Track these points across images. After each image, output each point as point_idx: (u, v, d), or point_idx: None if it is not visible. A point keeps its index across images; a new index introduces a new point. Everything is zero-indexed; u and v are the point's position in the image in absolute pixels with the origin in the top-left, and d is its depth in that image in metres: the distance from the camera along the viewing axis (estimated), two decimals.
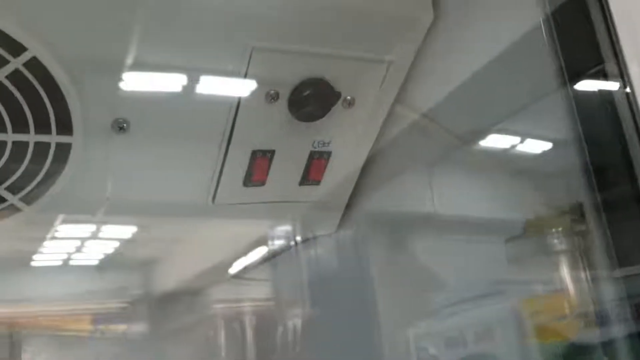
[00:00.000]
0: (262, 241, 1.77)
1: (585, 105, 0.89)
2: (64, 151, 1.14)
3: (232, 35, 1.12)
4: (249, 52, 1.14)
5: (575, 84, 0.88)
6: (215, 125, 1.24)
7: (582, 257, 1.03)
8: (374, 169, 1.40)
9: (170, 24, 1.06)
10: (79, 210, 1.28)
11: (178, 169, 1.28)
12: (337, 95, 1.24)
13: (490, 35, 1.15)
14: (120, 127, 1.17)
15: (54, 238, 2.17)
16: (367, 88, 1.27)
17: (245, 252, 1.92)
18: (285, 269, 1.70)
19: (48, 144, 1.12)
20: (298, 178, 1.38)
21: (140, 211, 1.36)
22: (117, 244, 2.12)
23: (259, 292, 2.08)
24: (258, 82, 1.19)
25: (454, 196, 1.41)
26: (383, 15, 1.19)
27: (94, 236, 2.09)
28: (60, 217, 1.77)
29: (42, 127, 1.09)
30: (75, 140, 1.13)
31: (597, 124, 0.88)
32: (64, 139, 1.12)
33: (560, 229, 1.07)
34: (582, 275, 1.03)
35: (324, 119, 1.28)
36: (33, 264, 2.27)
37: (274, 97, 1.21)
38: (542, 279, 1.14)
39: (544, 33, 0.94)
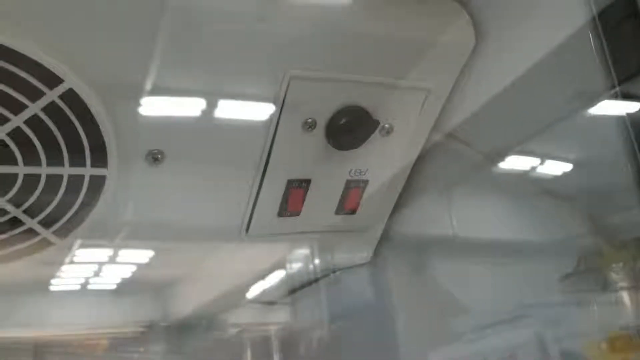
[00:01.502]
0: (281, 265, 1.73)
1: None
2: (98, 184, 1.11)
3: (270, 63, 1.09)
4: (287, 81, 1.11)
5: (625, 90, 0.84)
6: (250, 155, 1.21)
7: None
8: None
9: (208, 51, 1.04)
10: (109, 238, 1.24)
11: (212, 200, 1.25)
12: (375, 124, 1.20)
13: (523, 49, 1.11)
14: (154, 158, 1.14)
15: (72, 262, 2.17)
16: (405, 116, 1.24)
17: (261, 276, 1.87)
18: (305, 292, 1.66)
19: (82, 177, 1.09)
20: (334, 207, 1.35)
21: (173, 243, 1.32)
22: (142, 269, 2.09)
23: (278, 317, 2.04)
24: (295, 111, 1.16)
25: (475, 218, 1.37)
26: (423, 42, 1.15)
27: (115, 260, 2.08)
28: (79, 241, 1.76)
29: (77, 159, 1.07)
30: (110, 172, 1.10)
31: None
32: (98, 171, 1.09)
33: (620, 264, 1.03)
34: None
35: (361, 147, 1.24)
36: (51, 288, 2.27)
37: (311, 126, 1.18)
38: (603, 318, 1.09)
39: (590, 36, 0.90)
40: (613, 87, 0.86)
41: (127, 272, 2.39)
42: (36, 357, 2.15)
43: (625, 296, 1.03)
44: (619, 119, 0.90)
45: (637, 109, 0.89)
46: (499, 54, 1.17)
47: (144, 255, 2.24)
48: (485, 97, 1.20)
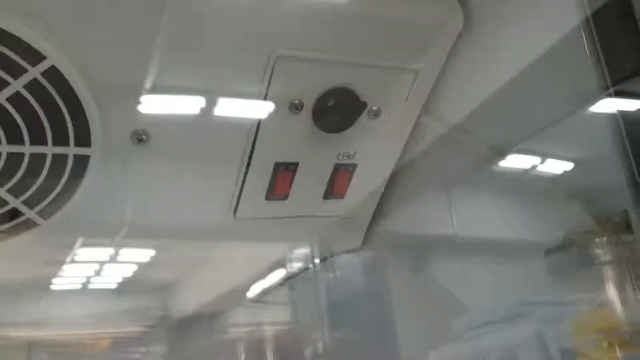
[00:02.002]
0: (281, 263, 1.73)
1: (631, 113, 0.84)
2: (82, 163, 1.10)
3: (255, 43, 1.08)
4: (273, 61, 1.10)
5: (619, 89, 0.83)
6: (236, 137, 1.20)
7: (629, 269, 0.97)
8: (393, 188, 1.35)
9: (192, 33, 1.03)
10: (97, 228, 1.24)
11: (199, 182, 1.24)
12: (363, 106, 1.20)
13: (522, 43, 1.10)
14: (139, 138, 1.14)
15: (73, 262, 2.17)
16: (393, 98, 1.23)
17: (264, 275, 1.90)
18: (303, 291, 1.66)
19: (66, 156, 1.08)
20: (322, 191, 1.34)
21: (161, 228, 1.32)
22: (135, 267, 2.11)
23: (278, 316, 2.04)
24: (282, 92, 1.15)
25: (475, 217, 1.36)
26: (410, 22, 1.14)
27: (113, 260, 2.10)
28: (80, 240, 1.76)
29: (60, 138, 1.06)
30: (94, 152, 1.09)
31: None
32: (82, 150, 1.09)
33: (604, 239, 1.02)
34: (630, 288, 0.98)
35: (349, 130, 1.23)
36: (52, 287, 2.27)
37: (298, 108, 1.17)
38: (588, 294, 1.09)
39: (583, 37, 0.89)
40: (607, 88, 0.85)
41: (128, 271, 2.40)
42: (30, 353, 2.15)
43: (608, 271, 1.02)
44: (613, 118, 0.89)
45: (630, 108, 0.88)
46: (494, 53, 1.15)
47: (144, 255, 2.25)
48: (483, 95, 1.18)
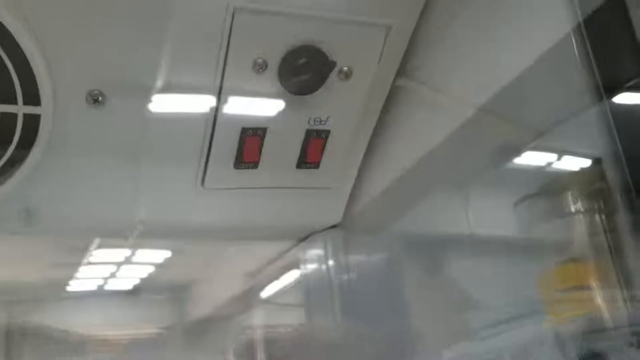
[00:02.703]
0: (294, 264, 1.69)
1: (625, 119, 0.77)
2: (33, 123, 1.05)
3: None
4: (231, 13, 1.04)
5: (613, 96, 0.77)
6: (197, 100, 1.15)
7: (602, 220, 0.90)
8: (406, 187, 1.28)
9: None
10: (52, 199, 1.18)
11: (160, 146, 1.18)
12: (332, 65, 1.13)
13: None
14: (95, 99, 1.09)
15: (89, 263, 2.15)
16: (365, 57, 1.17)
17: (277, 276, 1.86)
18: (318, 292, 1.60)
19: (15, 115, 1.03)
20: (294, 160, 1.28)
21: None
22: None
23: (292, 317, 2.00)
24: (243, 49, 1.09)
25: (491, 215, 1.29)
26: None
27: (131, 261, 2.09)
28: (96, 241, 1.73)
29: (8, 96, 1.01)
30: (45, 111, 1.05)
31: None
32: (31, 109, 1.04)
33: (577, 187, 0.94)
34: (603, 241, 0.90)
35: (318, 92, 1.17)
36: (68, 289, 2.26)
37: (262, 67, 1.12)
38: (557, 245, 1.01)
39: (574, 44, 0.82)
40: (600, 96, 0.80)
41: (143, 272, 2.38)
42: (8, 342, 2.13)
43: (578, 221, 0.95)
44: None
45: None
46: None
47: (158, 256, 2.22)
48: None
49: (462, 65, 1.13)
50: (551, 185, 1.02)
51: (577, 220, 0.95)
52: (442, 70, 1.18)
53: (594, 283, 0.92)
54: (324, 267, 1.55)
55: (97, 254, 2.14)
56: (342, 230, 1.47)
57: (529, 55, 0.95)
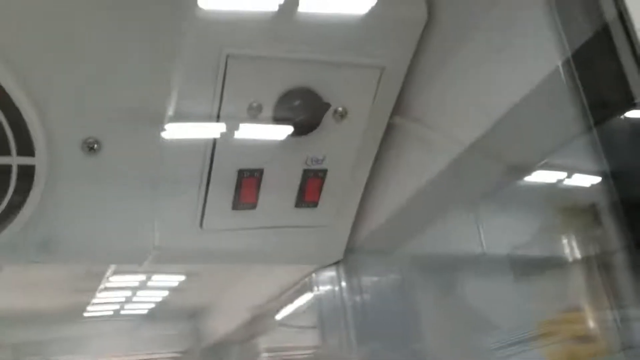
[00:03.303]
0: (306, 287, 1.68)
1: (614, 146, 0.77)
2: (28, 174, 1.06)
3: (205, 41, 1.03)
4: (224, 60, 1.04)
5: (602, 124, 0.76)
6: (194, 143, 1.15)
7: (599, 267, 0.88)
8: (416, 209, 1.27)
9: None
10: (51, 245, 1.18)
11: (158, 192, 1.18)
12: (326, 106, 1.13)
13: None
14: (90, 147, 1.09)
15: (106, 289, 2.17)
16: (359, 97, 1.16)
17: (290, 299, 1.86)
18: (331, 314, 1.60)
19: (9, 167, 1.04)
20: (293, 199, 1.27)
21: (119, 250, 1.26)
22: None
23: (306, 339, 1.99)
24: (238, 93, 1.09)
25: (503, 234, 1.28)
26: (372, 17, 1.08)
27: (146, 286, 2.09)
28: (112, 267, 1.74)
29: (1, 147, 1.02)
30: (39, 161, 1.05)
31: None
32: (26, 160, 1.04)
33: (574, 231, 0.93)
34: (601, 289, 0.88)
35: (314, 133, 1.17)
36: (86, 314, 2.28)
37: (257, 110, 1.11)
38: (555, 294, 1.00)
39: (562, 77, 0.82)
40: (589, 128, 0.79)
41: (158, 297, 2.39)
42: None
43: (577, 270, 0.93)
44: None
45: None
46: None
47: (174, 280, 2.23)
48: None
49: (455, 103, 1.12)
50: (547, 232, 1.01)
51: (574, 269, 0.93)
52: (435, 108, 1.17)
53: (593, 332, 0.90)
54: (336, 289, 1.54)
55: (114, 280, 2.16)
56: (355, 254, 1.46)
57: (518, 91, 0.94)
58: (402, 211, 1.27)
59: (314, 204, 1.29)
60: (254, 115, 1.12)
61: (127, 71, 1.04)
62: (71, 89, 1.04)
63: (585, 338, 0.93)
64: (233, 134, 1.14)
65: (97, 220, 1.21)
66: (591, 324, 0.93)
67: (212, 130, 1.13)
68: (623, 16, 0.72)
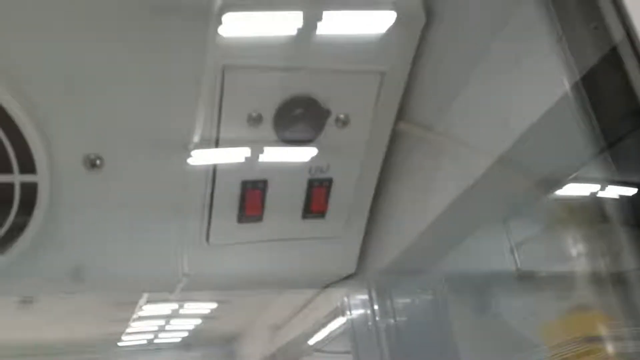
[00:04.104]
0: (338, 311, 1.67)
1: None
2: (30, 191, 1.06)
3: (202, 53, 1.03)
4: (221, 71, 1.04)
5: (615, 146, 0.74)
6: (195, 157, 1.14)
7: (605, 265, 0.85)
8: (447, 226, 1.24)
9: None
10: (57, 265, 1.18)
11: (161, 207, 1.18)
12: (327, 113, 1.12)
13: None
14: (92, 163, 1.09)
15: (139, 318, 2.18)
16: (360, 104, 1.15)
17: (323, 324, 1.85)
18: (364, 337, 1.57)
19: (12, 185, 1.04)
20: (299, 210, 1.26)
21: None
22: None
23: None
24: (236, 104, 1.09)
25: (537, 250, 1.25)
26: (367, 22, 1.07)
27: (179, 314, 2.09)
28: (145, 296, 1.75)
29: (3, 166, 1.02)
30: (41, 179, 1.05)
31: None
32: (28, 177, 1.05)
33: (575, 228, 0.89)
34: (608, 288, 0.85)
35: (317, 141, 1.16)
36: (120, 344, 2.29)
37: (256, 120, 1.11)
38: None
39: (572, 102, 0.80)
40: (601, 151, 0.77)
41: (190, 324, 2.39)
42: None
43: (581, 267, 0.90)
44: None
45: None
46: None
47: (205, 307, 2.23)
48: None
49: (479, 117, 1.10)
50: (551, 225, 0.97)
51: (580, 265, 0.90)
52: (461, 122, 1.15)
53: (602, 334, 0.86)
54: (369, 312, 1.52)
55: (147, 309, 2.16)
56: (386, 275, 1.43)
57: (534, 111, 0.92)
58: (432, 229, 1.24)
59: (322, 215, 1.27)
60: (254, 124, 1.12)
61: (129, 91, 1.05)
62: (72, 107, 1.04)
63: None
64: (234, 145, 1.14)
65: (113, 243, 1.21)
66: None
67: (212, 142, 1.12)
68: None
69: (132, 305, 2.09)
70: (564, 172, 1.06)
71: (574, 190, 1.12)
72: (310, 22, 1.03)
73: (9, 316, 2.06)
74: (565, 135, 0.92)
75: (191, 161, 1.16)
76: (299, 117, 1.12)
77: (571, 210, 1.12)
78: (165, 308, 2.41)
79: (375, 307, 1.50)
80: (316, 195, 1.24)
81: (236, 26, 1.01)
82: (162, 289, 1.47)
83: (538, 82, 0.93)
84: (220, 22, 0.99)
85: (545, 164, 1.04)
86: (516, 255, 1.26)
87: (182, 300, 2.10)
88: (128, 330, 2.49)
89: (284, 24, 1.04)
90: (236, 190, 1.19)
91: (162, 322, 2.58)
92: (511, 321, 1.29)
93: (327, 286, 1.54)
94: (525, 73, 0.97)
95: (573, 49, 0.80)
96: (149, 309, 2.33)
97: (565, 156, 1.01)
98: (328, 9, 1.04)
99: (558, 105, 0.88)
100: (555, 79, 0.86)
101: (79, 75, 1.02)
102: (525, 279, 1.25)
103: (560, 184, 1.10)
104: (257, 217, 1.23)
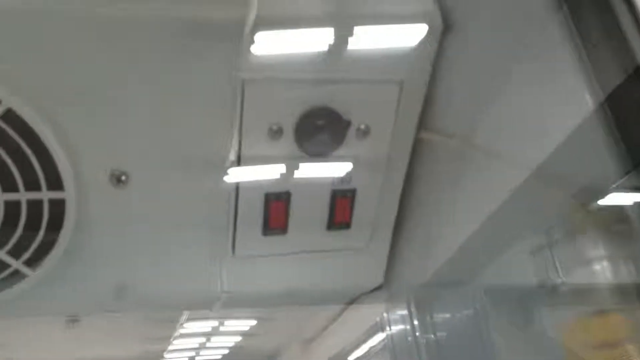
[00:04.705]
0: (378, 327, 1.67)
1: None
2: (59, 208, 1.09)
3: (227, 69, 1.04)
4: (241, 85, 1.06)
5: None
6: (218, 171, 1.16)
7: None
8: (487, 237, 1.23)
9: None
10: (88, 281, 1.21)
11: (188, 220, 1.20)
12: (347, 124, 1.13)
13: None
14: (118, 179, 1.11)
15: (180, 336, 2.21)
16: (381, 113, 1.15)
17: (363, 340, 1.84)
18: (404, 354, 1.57)
19: (41, 202, 1.07)
20: (324, 222, 1.26)
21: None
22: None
23: None
24: (257, 117, 1.10)
25: (580, 262, 1.23)
26: (385, 30, 1.07)
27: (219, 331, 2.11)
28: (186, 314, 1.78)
29: (32, 183, 1.05)
30: (69, 195, 1.08)
31: None
32: (56, 194, 1.07)
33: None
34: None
35: (339, 152, 1.16)
36: None
37: (277, 132, 1.12)
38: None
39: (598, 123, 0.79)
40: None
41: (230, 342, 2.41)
42: None
43: (599, 270, 0.87)
44: None
45: None
46: None
47: (245, 324, 2.25)
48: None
49: (514, 127, 1.08)
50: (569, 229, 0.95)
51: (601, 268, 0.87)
52: (497, 132, 1.13)
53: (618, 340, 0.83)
54: (409, 327, 1.51)
55: (188, 326, 2.18)
56: (425, 289, 1.42)
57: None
58: (471, 241, 1.22)
59: (347, 226, 1.27)
60: (275, 137, 1.13)
61: (154, 108, 1.07)
62: (97, 123, 1.07)
63: None
64: (256, 158, 1.15)
65: (143, 260, 1.23)
66: None
67: (235, 155, 1.13)
68: None
69: (173, 323, 2.11)
70: (604, 181, 1.03)
71: (616, 200, 1.09)
72: (342, 38, 1.04)
73: (55, 335, 2.11)
74: (603, 145, 0.91)
75: (215, 178, 1.17)
76: (319, 129, 1.12)
77: (613, 221, 1.10)
78: (206, 325, 2.43)
79: (415, 322, 1.49)
80: (340, 206, 1.24)
81: (266, 44, 1.02)
82: (201, 307, 1.48)
83: (570, 92, 0.91)
84: (252, 42, 1.00)
85: (584, 174, 1.02)
86: (558, 266, 1.23)
87: (222, 318, 2.11)
88: (170, 347, 2.51)
89: (315, 40, 1.04)
90: (260, 203, 1.20)
91: (202, 339, 2.61)
92: (556, 335, 1.26)
93: (359, 300, 1.53)
94: (556, 82, 0.95)
95: (602, 60, 0.79)
96: (189, 327, 2.35)
97: (606, 165, 0.99)
98: (359, 24, 1.04)
99: (594, 114, 0.87)
100: (589, 88, 0.85)
101: (104, 92, 1.04)
102: (569, 291, 1.23)
103: (602, 193, 1.08)
104: (282, 230, 1.23)
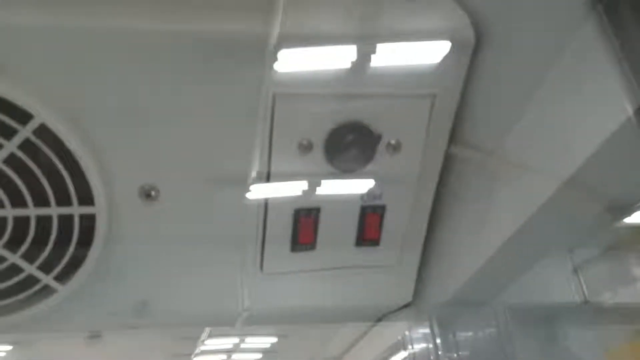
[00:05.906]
0: (399, 345, 1.65)
1: None
2: (89, 223, 1.09)
3: (256, 85, 1.04)
4: (272, 99, 1.05)
5: None
6: (247, 187, 1.15)
7: None
8: (509, 256, 1.21)
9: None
10: (118, 297, 1.20)
11: (217, 235, 1.19)
12: (377, 139, 1.12)
13: None
14: (147, 194, 1.11)
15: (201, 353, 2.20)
16: (412, 128, 1.14)
17: (385, 357, 1.80)
18: None
19: (71, 216, 1.07)
20: (352, 238, 1.25)
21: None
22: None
23: None
24: (287, 132, 1.09)
25: (606, 279, 1.21)
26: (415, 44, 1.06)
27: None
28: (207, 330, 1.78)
29: (63, 198, 1.05)
30: (99, 210, 1.08)
31: None
32: (87, 209, 1.07)
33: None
34: None
35: (369, 167, 1.15)
36: None
37: (307, 147, 1.11)
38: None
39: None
40: None
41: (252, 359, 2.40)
42: None
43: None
44: None
45: None
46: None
47: (266, 342, 2.24)
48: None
49: (541, 142, 1.07)
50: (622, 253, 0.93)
51: None
52: (523, 147, 1.12)
53: None
54: (431, 346, 1.49)
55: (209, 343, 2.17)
56: (447, 307, 1.40)
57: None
58: (495, 258, 1.20)
59: (376, 242, 1.26)
60: (305, 152, 1.12)
61: (183, 123, 1.07)
62: (127, 139, 1.07)
63: None
64: (285, 173, 1.14)
65: (172, 275, 1.23)
66: None
67: (264, 170, 1.13)
68: None
69: (195, 340, 2.10)
70: (634, 196, 1.02)
71: None
72: (365, 56, 1.04)
73: (76, 351, 2.10)
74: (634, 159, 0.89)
75: (245, 194, 1.17)
76: (349, 143, 1.12)
77: None
78: (227, 342, 2.41)
79: (438, 340, 1.46)
80: (369, 222, 1.23)
81: (290, 61, 1.02)
82: (223, 323, 1.47)
83: (602, 104, 0.90)
84: (275, 59, 1.00)
85: (614, 189, 1.01)
86: (583, 284, 1.21)
87: (243, 335, 2.10)
88: None
89: (338, 57, 1.04)
90: (288, 219, 1.19)
91: (224, 356, 2.59)
92: (581, 354, 1.23)
93: (385, 318, 1.51)
94: (587, 95, 0.94)
95: (635, 70, 0.78)
96: (211, 343, 2.34)
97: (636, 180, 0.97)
98: (382, 41, 1.04)
99: (624, 127, 0.85)
100: (620, 100, 0.84)
101: (134, 107, 1.04)
102: (595, 309, 1.20)
103: (631, 209, 1.06)
104: (310, 246, 1.22)
